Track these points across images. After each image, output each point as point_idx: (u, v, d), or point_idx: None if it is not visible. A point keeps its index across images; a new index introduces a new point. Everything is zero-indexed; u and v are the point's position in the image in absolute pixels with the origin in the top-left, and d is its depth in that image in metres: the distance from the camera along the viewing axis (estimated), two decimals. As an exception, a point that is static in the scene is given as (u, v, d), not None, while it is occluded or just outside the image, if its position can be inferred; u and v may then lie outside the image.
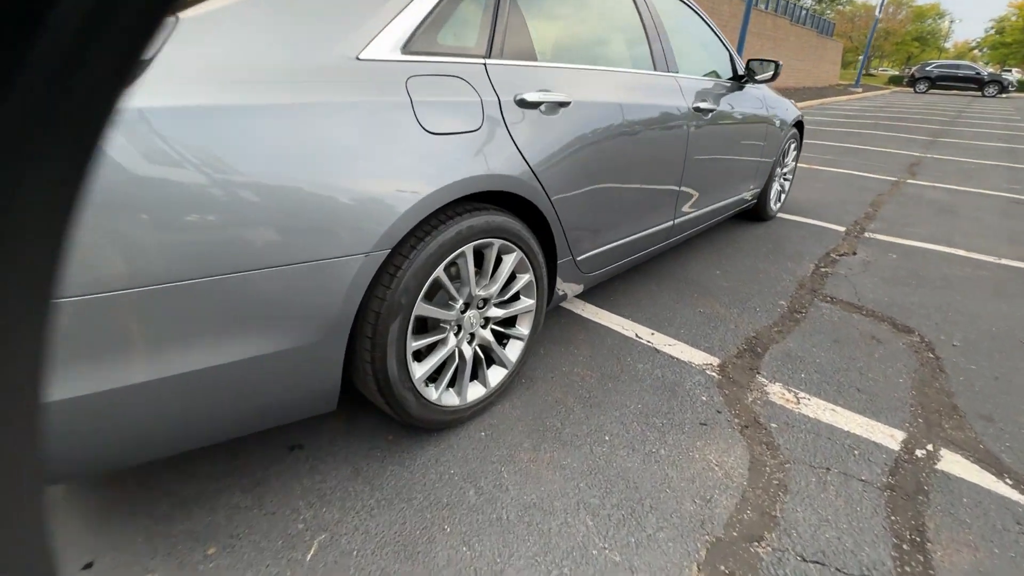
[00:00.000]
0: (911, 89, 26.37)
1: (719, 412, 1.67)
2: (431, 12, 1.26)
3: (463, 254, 1.33)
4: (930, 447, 1.54)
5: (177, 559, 1.11)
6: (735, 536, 1.22)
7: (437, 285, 1.32)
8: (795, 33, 24.55)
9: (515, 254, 1.49)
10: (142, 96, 0.81)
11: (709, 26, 2.65)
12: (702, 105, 2.25)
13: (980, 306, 2.48)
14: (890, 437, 1.57)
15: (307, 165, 0.98)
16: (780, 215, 3.90)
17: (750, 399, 1.75)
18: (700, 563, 1.15)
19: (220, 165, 0.88)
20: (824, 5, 49.47)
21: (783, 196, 3.83)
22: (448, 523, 1.23)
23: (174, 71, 0.85)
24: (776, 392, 1.79)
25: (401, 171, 1.13)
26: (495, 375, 1.60)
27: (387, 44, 1.16)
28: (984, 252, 3.23)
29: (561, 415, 1.62)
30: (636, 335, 2.11)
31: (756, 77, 2.77)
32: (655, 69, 2.08)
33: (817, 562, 1.16)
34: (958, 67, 25.37)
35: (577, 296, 2.40)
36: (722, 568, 1.14)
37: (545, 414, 1.62)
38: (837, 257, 3.09)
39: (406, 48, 1.19)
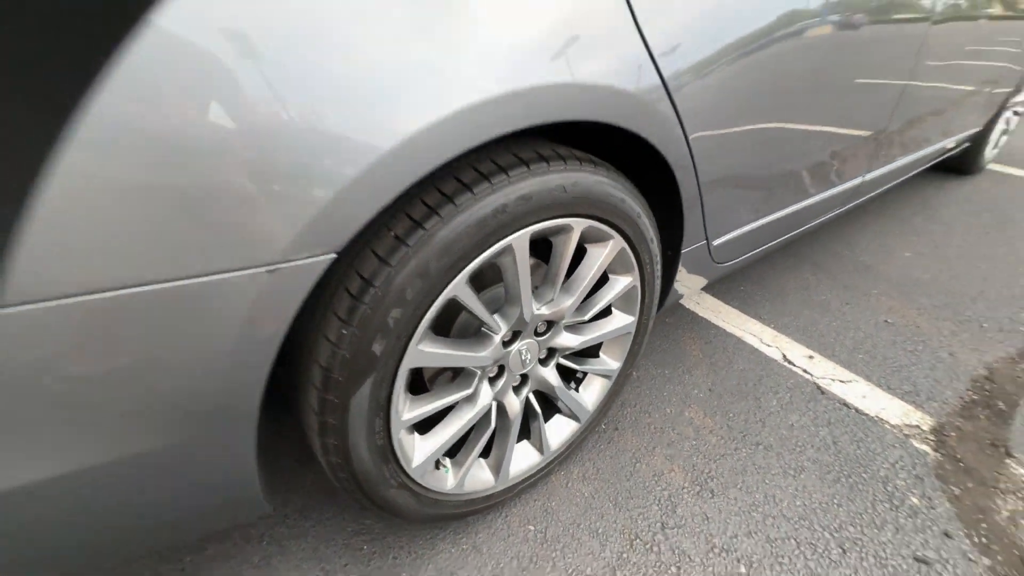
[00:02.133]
0: None
1: (947, 535, 0.95)
2: None
3: (510, 249, 0.68)
4: None
5: None
6: None
7: (455, 307, 0.71)
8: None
9: (612, 243, 0.81)
10: None
11: None
12: None
13: None
14: None
15: None
16: (991, 166, 2.73)
17: (1002, 510, 1.00)
18: None
19: None
20: None
21: (1004, 137, 2.64)
22: None
23: None
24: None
25: (369, 68, 0.48)
26: (558, 432, 0.99)
27: None
28: None
29: (662, 505, 0.99)
30: (784, 357, 1.37)
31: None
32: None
33: None
34: None
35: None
36: None
37: (634, 499, 1.00)
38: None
39: None
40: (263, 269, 0.48)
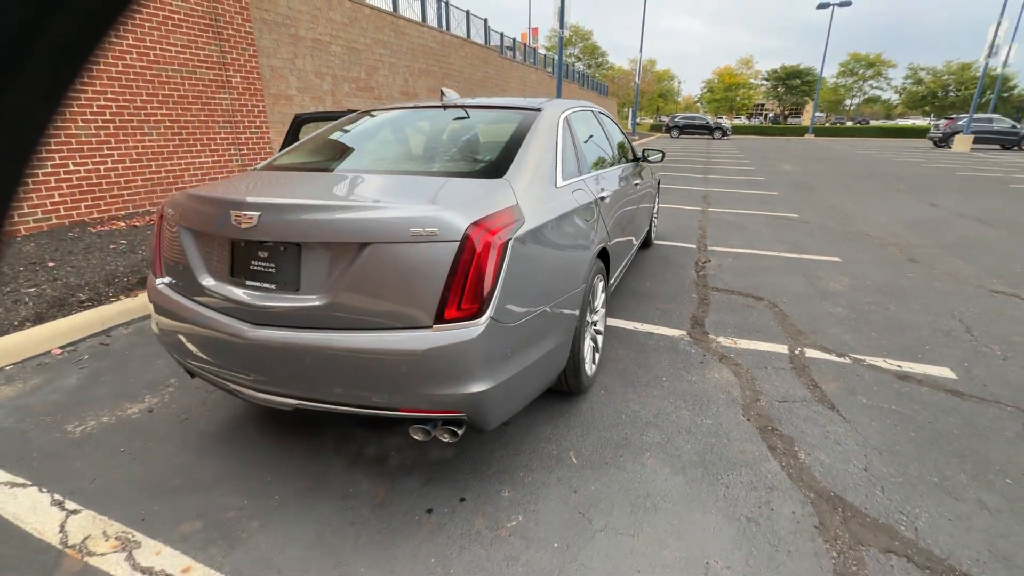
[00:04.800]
0: (668, 135, 34.23)
1: (704, 355, 2.97)
2: (561, 159, 2.33)
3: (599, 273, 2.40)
4: (797, 350, 3.05)
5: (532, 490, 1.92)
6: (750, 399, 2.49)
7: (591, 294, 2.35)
8: (584, 94, 30.21)
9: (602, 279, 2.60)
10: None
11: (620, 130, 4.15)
12: (636, 182, 3.67)
13: (784, 280, 4.34)
14: (778, 346, 3.05)
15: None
16: (656, 241, 5.63)
17: (713, 346, 3.09)
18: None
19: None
20: (593, 69, 60.79)
21: (654, 230, 5.58)
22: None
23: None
24: (723, 339, 3.17)
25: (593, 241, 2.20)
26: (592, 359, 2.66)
27: (559, 179, 2.20)
28: (772, 250, 5.32)
29: (623, 375, 2.73)
30: (635, 329, 3.34)
31: (649, 159, 4.36)
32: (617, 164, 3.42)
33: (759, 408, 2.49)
34: (695, 118, 33.98)
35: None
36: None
37: (626, 377, 2.72)
38: (704, 264, 4.82)
39: (564, 178, 2.25)
40: (582, 287, 2.09)
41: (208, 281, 1.79)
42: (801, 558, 1.60)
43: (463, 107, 2.62)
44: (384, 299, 1.55)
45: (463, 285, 1.51)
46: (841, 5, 32.86)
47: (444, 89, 2.69)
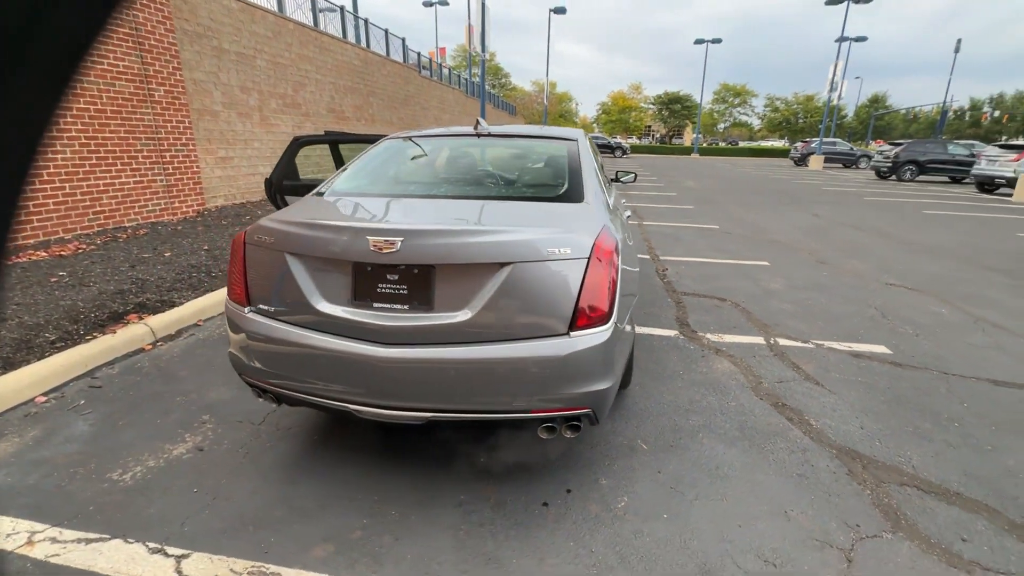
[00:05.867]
0: (576, 153, 36.37)
1: (702, 350, 3.43)
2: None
3: None
4: (771, 340, 3.63)
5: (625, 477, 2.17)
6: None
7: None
8: (497, 113, 31.27)
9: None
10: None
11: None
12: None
13: (734, 283, 5.03)
14: (755, 338, 3.61)
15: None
16: (613, 254, 6.16)
17: (705, 342, 3.57)
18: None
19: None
20: (498, 89, 62.93)
21: (613, 242, 6.10)
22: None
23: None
24: (711, 335, 3.67)
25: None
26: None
27: (610, 201, 2.51)
28: (712, 258, 6.09)
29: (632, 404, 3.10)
30: (659, 335, 3.73)
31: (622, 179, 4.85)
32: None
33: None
34: (599, 138, 36.55)
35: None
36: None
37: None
38: (663, 271, 5.40)
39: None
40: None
41: (325, 306, 1.83)
42: (848, 497, 2.03)
43: (503, 136, 2.85)
44: (524, 312, 1.73)
45: (593, 295, 1.75)
46: (713, 42, 37.53)
47: (479, 119, 2.88)
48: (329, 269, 1.84)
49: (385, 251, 1.71)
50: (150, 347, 3.37)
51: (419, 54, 20.22)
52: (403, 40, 17.65)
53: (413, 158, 2.76)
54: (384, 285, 1.79)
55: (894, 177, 19.44)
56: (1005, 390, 2.93)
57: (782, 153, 42.33)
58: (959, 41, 34.46)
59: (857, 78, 64.75)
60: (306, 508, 1.95)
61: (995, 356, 3.40)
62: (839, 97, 31.87)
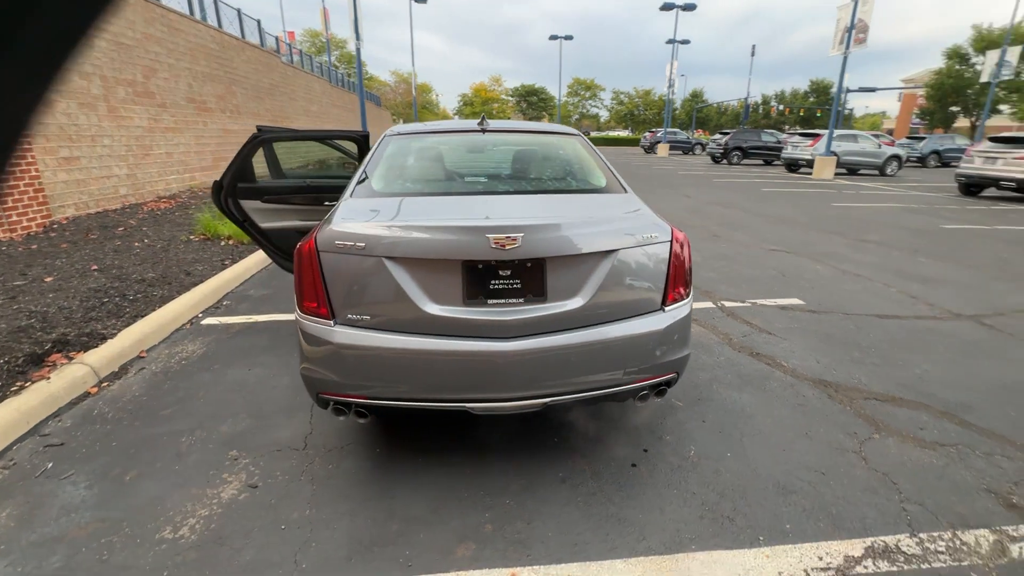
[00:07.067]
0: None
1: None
2: None
3: None
4: (718, 303, 4.27)
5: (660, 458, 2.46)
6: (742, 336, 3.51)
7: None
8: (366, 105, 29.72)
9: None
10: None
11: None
12: None
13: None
14: (706, 304, 4.23)
15: None
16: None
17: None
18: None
19: None
20: (354, 78, 59.72)
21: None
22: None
23: None
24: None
25: None
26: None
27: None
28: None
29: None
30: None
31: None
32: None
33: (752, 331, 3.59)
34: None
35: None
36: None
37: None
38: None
39: None
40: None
41: (434, 308, 1.80)
42: (839, 414, 2.60)
43: (510, 131, 2.94)
44: (629, 293, 1.92)
45: (677, 274, 2.00)
46: (566, 38, 40.13)
47: (484, 117, 2.90)
48: (437, 271, 1.81)
49: (508, 247, 1.75)
50: (95, 390, 2.80)
51: (276, 38, 18.38)
52: (258, 22, 15.90)
53: (441, 156, 2.71)
54: (497, 281, 1.82)
55: (725, 161, 23.06)
56: (889, 320, 3.89)
57: (631, 142, 47.20)
58: (754, 46, 42.12)
59: (683, 76, 74.62)
60: (421, 516, 1.91)
61: (868, 298, 4.45)
62: (673, 92, 36.56)
